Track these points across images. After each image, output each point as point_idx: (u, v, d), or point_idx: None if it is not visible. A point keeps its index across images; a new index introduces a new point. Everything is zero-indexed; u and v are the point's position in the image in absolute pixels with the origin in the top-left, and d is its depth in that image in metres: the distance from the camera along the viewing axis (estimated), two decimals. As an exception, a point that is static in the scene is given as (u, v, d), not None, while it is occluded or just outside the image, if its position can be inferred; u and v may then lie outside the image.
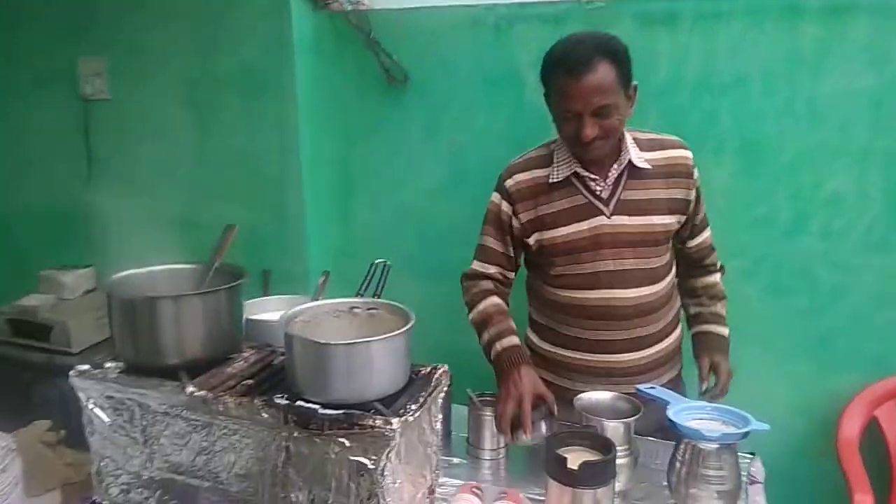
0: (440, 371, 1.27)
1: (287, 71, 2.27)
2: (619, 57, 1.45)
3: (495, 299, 1.66)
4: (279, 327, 1.49)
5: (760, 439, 1.35)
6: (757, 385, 2.12)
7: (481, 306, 1.65)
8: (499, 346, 1.56)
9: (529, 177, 1.63)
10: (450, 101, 2.29)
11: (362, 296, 1.34)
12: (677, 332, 1.74)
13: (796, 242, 2.06)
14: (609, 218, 1.57)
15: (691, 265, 1.76)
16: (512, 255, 1.69)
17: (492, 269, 1.69)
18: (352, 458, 1.08)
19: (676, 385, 1.72)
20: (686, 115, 2.06)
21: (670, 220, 1.60)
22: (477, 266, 1.71)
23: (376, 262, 1.40)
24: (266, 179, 2.40)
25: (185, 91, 2.43)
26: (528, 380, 1.47)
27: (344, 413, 1.09)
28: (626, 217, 1.57)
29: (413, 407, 1.13)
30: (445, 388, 1.26)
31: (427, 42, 2.26)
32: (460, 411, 1.62)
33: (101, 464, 1.28)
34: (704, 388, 1.64)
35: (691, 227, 1.68)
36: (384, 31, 2.26)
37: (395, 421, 1.06)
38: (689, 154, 1.62)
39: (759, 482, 1.45)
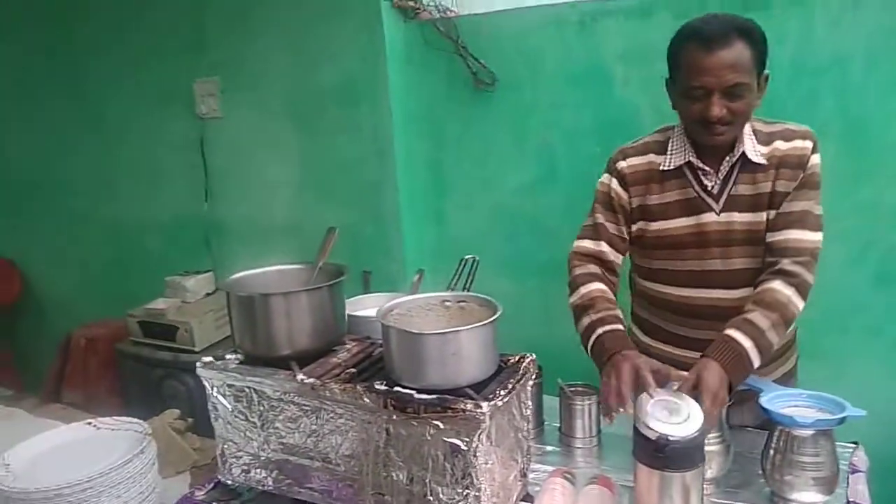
0: (528, 360, 1.32)
1: (381, 80, 2.40)
2: (755, 37, 1.39)
3: (601, 285, 1.54)
4: (378, 322, 1.62)
5: (865, 430, 1.32)
6: (863, 376, 2.07)
7: (584, 290, 1.54)
8: (601, 330, 1.44)
9: (643, 161, 1.57)
10: (537, 101, 2.34)
11: (453, 290, 1.42)
12: (790, 329, 1.60)
13: (906, 227, 1.97)
14: (718, 215, 1.51)
15: (765, 266, 1.48)
16: (625, 236, 1.60)
17: (603, 247, 1.59)
18: (446, 439, 1.16)
19: (789, 379, 1.65)
20: (784, 99, 2.01)
21: (772, 214, 1.49)
22: (587, 244, 1.61)
23: (465, 257, 1.48)
24: (364, 184, 2.54)
25: (288, 104, 2.62)
26: (633, 356, 1.35)
27: (438, 398, 1.17)
28: (737, 214, 1.50)
29: (502, 392, 1.19)
30: (534, 376, 1.32)
31: (513, 44, 2.32)
32: (551, 402, 1.67)
33: (225, 446, 1.42)
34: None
35: (776, 216, 1.48)
36: (471, 37, 2.35)
37: (484, 405, 1.13)
38: (806, 144, 1.47)
39: (861, 471, 1.41)
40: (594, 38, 2.22)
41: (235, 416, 1.39)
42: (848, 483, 1.34)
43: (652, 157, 1.56)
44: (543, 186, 2.39)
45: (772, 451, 1.31)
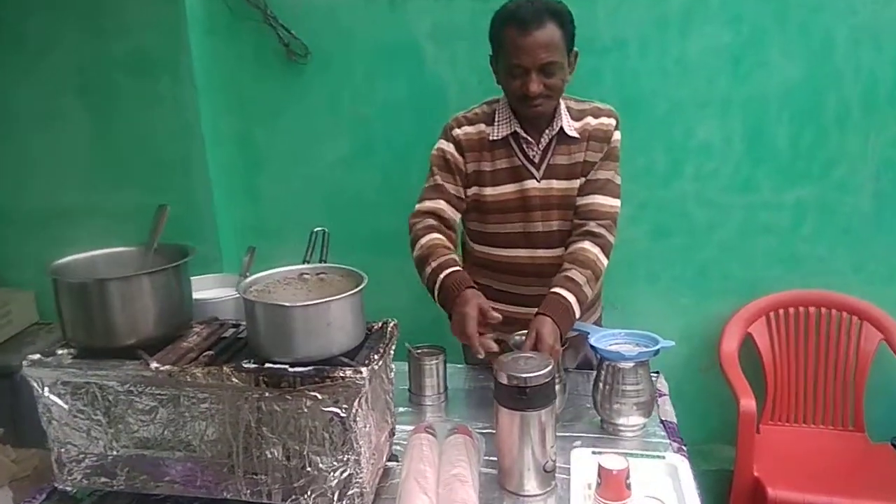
0: (391, 325, 1.37)
1: (183, 50, 2.25)
2: (564, 19, 1.54)
3: (437, 235, 1.63)
4: (220, 304, 1.56)
5: (657, 361, 1.56)
6: (646, 316, 2.40)
7: (423, 240, 1.62)
8: (442, 275, 1.55)
9: (475, 130, 1.68)
10: (350, 74, 2.35)
11: (308, 262, 1.41)
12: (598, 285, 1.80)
13: (673, 187, 2.32)
14: (539, 182, 1.66)
15: (573, 228, 1.67)
16: (462, 196, 1.69)
17: (440, 204, 1.67)
18: (324, 409, 1.17)
19: (589, 318, 1.87)
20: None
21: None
22: (426, 204, 1.68)
23: (315, 229, 1.47)
24: (169, 161, 2.37)
25: (75, 78, 2.34)
26: (472, 295, 1.49)
27: (314, 369, 1.17)
28: (555, 181, 1.65)
29: (376, 357, 1.23)
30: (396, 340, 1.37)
31: (324, 16, 2.30)
32: (401, 367, 1.73)
33: (62, 450, 1.28)
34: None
35: (583, 183, 1.66)
36: (281, 7, 2.28)
37: (363, 370, 1.16)
38: (611, 121, 1.68)
39: (666, 394, 1.68)
40: (405, 15, 2.28)
41: (74, 416, 1.26)
42: (658, 405, 1.59)
43: (482, 126, 1.68)
44: (360, 159, 2.42)
45: (601, 385, 1.50)
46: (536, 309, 1.50)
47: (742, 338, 2.28)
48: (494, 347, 1.43)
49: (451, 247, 1.65)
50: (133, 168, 2.38)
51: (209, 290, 1.82)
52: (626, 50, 2.22)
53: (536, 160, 1.66)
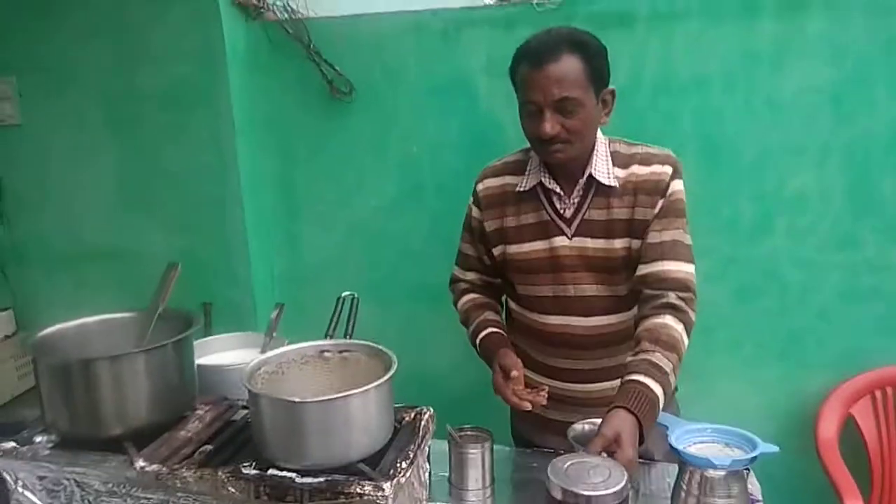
0: (426, 416, 1.14)
1: (220, 84, 2.10)
2: (589, 51, 1.33)
3: (471, 295, 1.61)
4: (235, 373, 1.35)
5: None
6: (728, 390, 2.11)
7: (460, 305, 1.62)
8: (479, 338, 1.53)
9: (499, 183, 1.52)
10: (398, 113, 2.17)
11: (331, 336, 1.20)
12: None
13: (762, 243, 2.03)
14: (570, 239, 1.45)
15: (640, 300, 1.41)
16: (488, 262, 1.59)
17: (470, 276, 1.64)
18: (338, 531, 0.94)
19: (670, 404, 1.59)
20: (644, 118, 2.01)
21: (633, 244, 1.42)
22: (457, 272, 1.66)
23: (343, 295, 1.26)
24: (202, 201, 2.21)
25: (105, 110, 2.22)
26: (503, 358, 1.44)
27: (325, 480, 0.95)
28: (589, 239, 1.44)
29: (403, 465, 1.00)
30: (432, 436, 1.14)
31: (371, 51, 2.13)
32: (439, 447, 1.49)
33: (35, 555, 1.09)
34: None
35: (644, 246, 1.41)
36: (324, 41, 2.12)
37: (386, 486, 0.93)
38: (665, 169, 1.41)
39: (759, 500, 1.38)
40: (457, 48, 2.08)
41: (49, 519, 1.07)
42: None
43: (508, 178, 1.51)
44: (408, 204, 2.21)
45: (683, 494, 1.22)
46: (571, 384, 1.46)
47: (843, 420, 1.95)
48: (540, 401, 1.38)
49: (489, 302, 1.61)
50: (163, 208, 2.23)
51: (233, 350, 1.65)
52: (708, 88, 1.96)
53: (568, 215, 1.45)
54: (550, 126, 1.32)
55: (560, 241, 1.45)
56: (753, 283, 2.06)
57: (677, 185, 1.43)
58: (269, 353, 1.14)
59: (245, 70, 2.15)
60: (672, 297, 1.35)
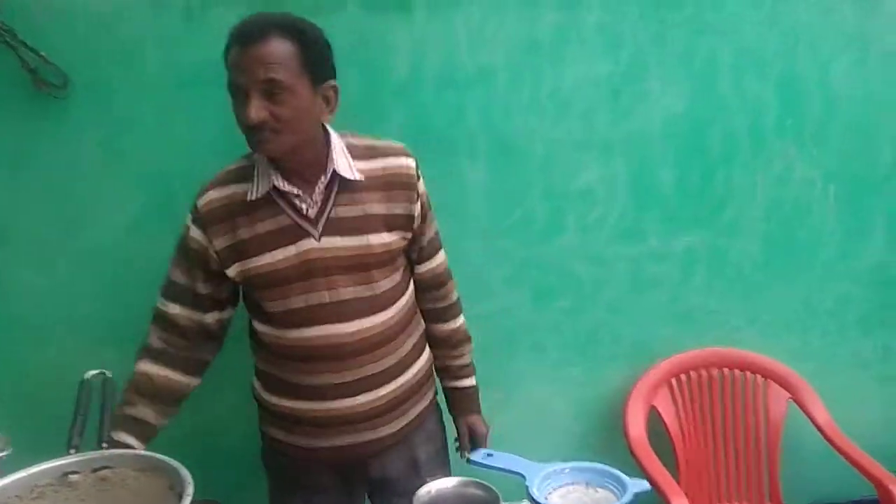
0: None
1: None
2: (304, 38, 1.25)
3: (144, 366, 1.39)
4: None
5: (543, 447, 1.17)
6: (534, 395, 2.04)
7: (139, 367, 1.40)
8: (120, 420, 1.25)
9: (225, 194, 1.36)
10: (135, 110, 1.73)
11: (77, 448, 0.80)
12: (422, 359, 1.52)
13: (554, 242, 1.98)
14: (318, 241, 1.33)
15: (429, 297, 1.56)
16: (203, 292, 1.39)
17: (174, 309, 1.40)
18: None
19: (431, 414, 1.57)
20: (429, 114, 1.84)
21: (391, 238, 1.39)
22: (159, 304, 1.42)
23: (88, 376, 0.86)
24: None
25: None
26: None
27: None
28: (339, 238, 1.34)
29: None
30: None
31: (91, 33, 1.67)
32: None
33: None
34: (465, 456, 1.57)
35: (419, 248, 1.48)
36: (21, 19, 1.61)
37: None
38: (411, 163, 1.41)
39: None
40: (206, 31, 1.69)
41: None
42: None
43: (234, 187, 1.36)
44: (158, 222, 1.75)
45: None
46: (336, 401, 1.37)
47: (647, 414, 1.95)
48: None
49: (148, 381, 1.38)
50: None
51: None
52: (493, 81, 1.84)
53: (312, 215, 1.34)
54: (255, 111, 1.21)
55: (308, 243, 1.33)
56: (550, 284, 2.00)
57: (420, 177, 1.44)
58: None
59: None
60: (448, 293, 1.58)
